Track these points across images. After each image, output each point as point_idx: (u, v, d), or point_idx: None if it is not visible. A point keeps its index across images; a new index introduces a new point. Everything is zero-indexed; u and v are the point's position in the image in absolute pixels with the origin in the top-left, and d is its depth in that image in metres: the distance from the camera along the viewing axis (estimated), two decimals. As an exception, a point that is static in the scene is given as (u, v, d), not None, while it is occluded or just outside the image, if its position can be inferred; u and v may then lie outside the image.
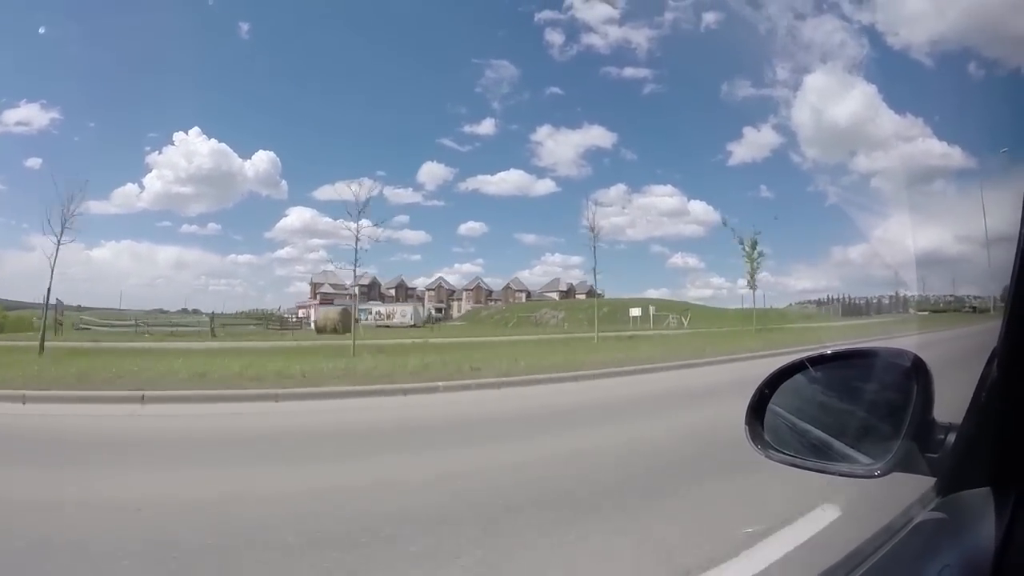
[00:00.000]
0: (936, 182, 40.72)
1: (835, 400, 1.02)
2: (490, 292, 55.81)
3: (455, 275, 57.68)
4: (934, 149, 38.31)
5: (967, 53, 38.51)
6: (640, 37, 50.36)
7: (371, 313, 44.37)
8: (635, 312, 34.16)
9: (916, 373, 0.87)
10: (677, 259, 53.98)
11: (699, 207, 50.70)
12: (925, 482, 0.88)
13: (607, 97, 58.29)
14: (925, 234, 36.14)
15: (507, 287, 55.33)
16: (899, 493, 0.98)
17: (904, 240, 37.47)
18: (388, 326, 39.16)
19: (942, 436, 0.84)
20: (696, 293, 55.44)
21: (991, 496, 0.79)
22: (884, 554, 0.85)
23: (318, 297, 55.91)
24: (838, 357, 1.01)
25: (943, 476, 0.86)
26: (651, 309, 37.98)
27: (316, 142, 61.65)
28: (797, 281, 63.79)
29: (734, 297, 58.11)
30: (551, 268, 54.85)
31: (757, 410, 1.07)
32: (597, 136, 52.40)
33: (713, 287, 53.89)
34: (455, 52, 59.75)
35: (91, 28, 53.37)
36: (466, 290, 56.20)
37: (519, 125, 60.51)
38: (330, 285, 55.87)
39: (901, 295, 50.85)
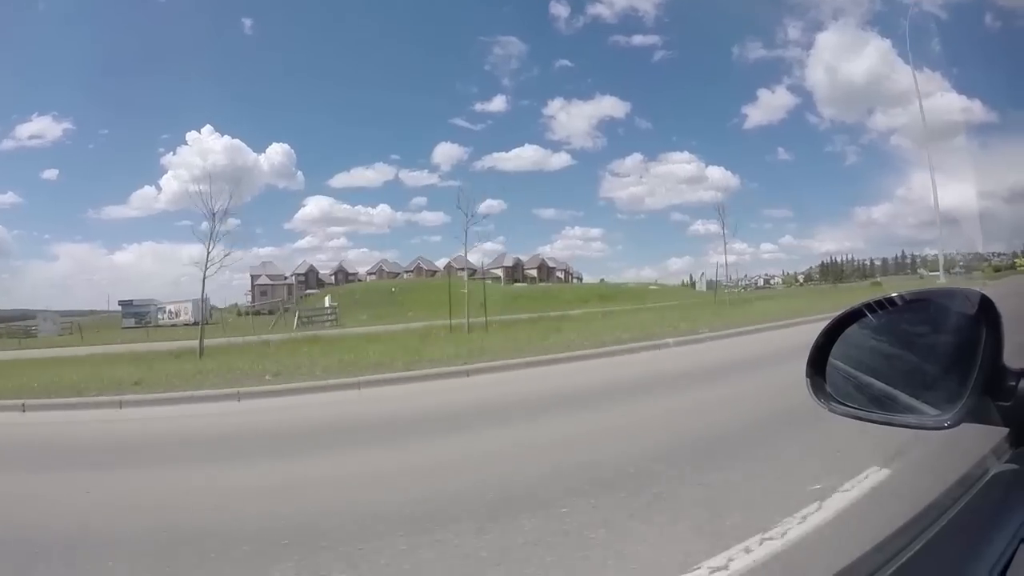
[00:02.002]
0: (957, 138, 39.66)
1: (898, 349, 0.97)
2: (433, 272, 54.13)
3: (476, 254, 56.98)
4: (953, 104, 36.19)
5: (982, 3, 38.49)
6: (647, 4, 49.97)
7: (164, 312, 43.32)
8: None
9: (984, 315, 0.81)
10: (698, 226, 52.85)
11: (717, 172, 49.54)
12: (998, 432, 0.84)
13: (617, 66, 56.62)
14: (948, 192, 35.71)
15: (448, 265, 53.43)
16: (973, 445, 0.95)
17: (927, 198, 36.74)
18: (175, 325, 37.52)
19: (1014, 383, 0.78)
20: (718, 259, 54.94)
21: None
22: (962, 507, 0.82)
23: (255, 289, 54.14)
24: (900, 302, 0.95)
25: (1017, 426, 0.82)
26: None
27: (329, 131, 60.58)
28: (820, 243, 63.51)
29: (758, 263, 57.27)
30: (572, 242, 54.55)
31: (817, 362, 1.02)
32: (610, 106, 51.91)
33: (736, 252, 51.75)
34: (461, 31, 58.89)
35: (94, 33, 53.71)
36: (407, 272, 55.13)
37: (530, 100, 61.45)
38: (267, 276, 54.01)
39: (909, 256, 51.37)
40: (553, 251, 57.25)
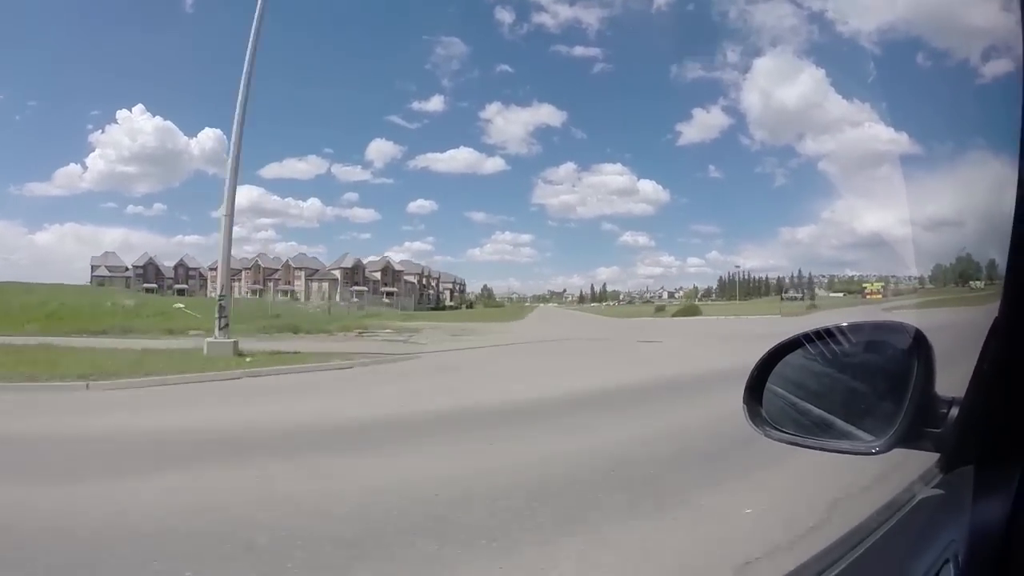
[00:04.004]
0: (882, 167, 41.05)
1: (834, 377, 1.00)
2: (274, 271, 52.65)
3: (405, 253, 56.15)
4: (881, 135, 37.80)
5: (915, 43, 38.92)
6: (591, 17, 50.18)
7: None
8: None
9: (917, 347, 0.85)
10: (627, 237, 54.21)
11: (649, 186, 50.42)
12: (929, 458, 0.87)
13: (557, 75, 58.06)
14: (871, 217, 38.78)
15: (286, 264, 52.78)
16: (905, 470, 0.96)
17: (850, 222, 40.14)
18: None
19: (944, 411, 0.82)
20: (646, 271, 56.45)
21: (996, 470, 0.78)
22: (888, 530, 0.83)
23: (93, 281, 52.93)
24: (836, 333, 0.98)
25: (947, 451, 0.84)
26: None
27: (263, 119, 57.50)
28: (746, 260, 65.06)
29: (684, 276, 59.71)
30: (501, 247, 54.36)
31: (755, 389, 1.05)
32: (547, 114, 52.25)
33: (663, 265, 53.68)
34: (404, 28, 57.91)
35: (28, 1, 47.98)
36: (245, 269, 54.26)
37: (469, 102, 60.75)
38: (106, 268, 52.89)
39: (806, 276, 53.54)
40: (482, 254, 57.41)
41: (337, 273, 52.87)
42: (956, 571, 0.72)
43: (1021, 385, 0.75)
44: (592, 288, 60.60)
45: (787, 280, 56.41)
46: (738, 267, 54.72)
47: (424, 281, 59.61)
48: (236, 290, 55.51)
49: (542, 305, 58.07)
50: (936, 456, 0.86)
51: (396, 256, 56.17)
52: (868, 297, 41.29)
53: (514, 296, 65.24)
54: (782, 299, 36.64)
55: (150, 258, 54.54)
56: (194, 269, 55.28)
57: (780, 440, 1.00)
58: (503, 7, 53.14)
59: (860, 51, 38.69)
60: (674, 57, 49.47)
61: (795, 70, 43.14)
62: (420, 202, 53.87)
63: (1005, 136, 0.64)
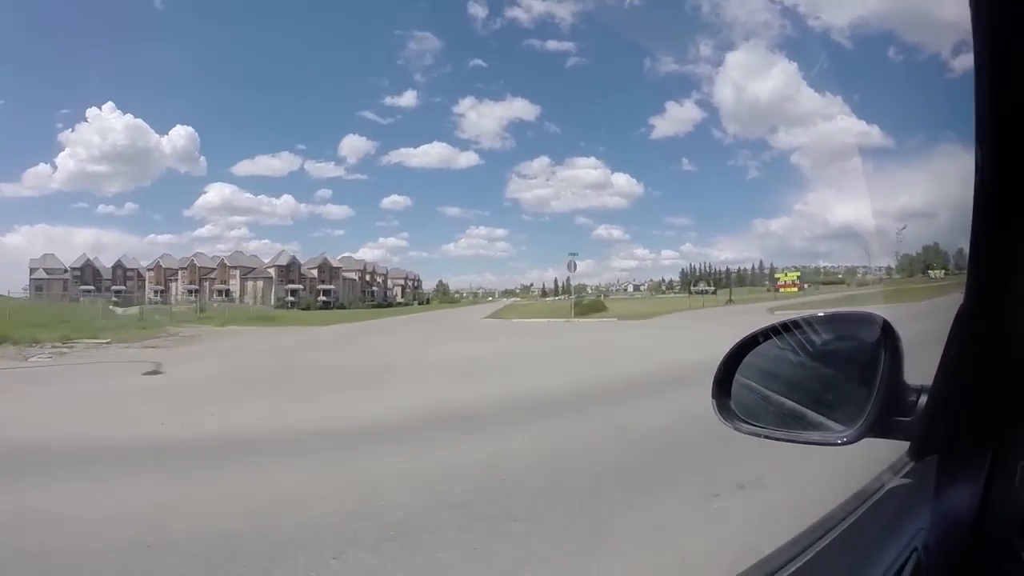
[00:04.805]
0: (854, 159, 43.21)
1: (804, 368, 1.00)
2: (210, 270, 51.05)
3: (380, 249, 55.97)
4: (852, 128, 37.83)
5: (887, 38, 40.92)
6: (564, 11, 49.92)
7: None
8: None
9: (884, 337, 0.85)
10: (602, 230, 54.35)
11: (622, 179, 50.44)
12: (900, 447, 0.87)
13: (530, 70, 57.39)
14: (843, 209, 39.34)
15: (221, 263, 51.30)
16: (878, 459, 0.97)
17: (823, 213, 40.59)
18: None
19: (914, 399, 0.82)
20: (621, 264, 56.23)
21: (965, 458, 0.79)
22: (856, 519, 0.84)
23: (32, 283, 53.04)
24: (804, 324, 0.98)
25: (916, 440, 0.85)
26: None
27: (235, 116, 59.05)
28: (720, 252, 67.20)
29: (659, 268, 60.21)
30: (476, 241, 54.30)
31: (723, 382, 1.04)
32: (520, 108, 51.35)
33: (638, 258, 54.33)
34: (377, 23, 56.78)
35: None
36: (181, 269, 54.12)
37: (442, 97, 60.59)
38: (44, 270, 53.01)
39: (763, 267, 53.27)
40: (456, 248, 57.71)
41: (272, 271, 53.00)
42: (923, 560, 0.72)
43: (987, 373, 0.77)
44: (556, 282, 59.88)
45: (749, 271, 56.98)
46: (691, 265, 55.32)
47: (368, 278, 59.60)
48: (173, 289, 55.98)
49: (502, 300, 57.82)
50: (907, 445, 0.87)
51: (370, 253, 56.09)
52: (781, 290, 37.45)
53: (480, 291, 65.04)
54: (690, 293, 35.59)
55: (88, 259, 54.51)
56: (132, 270, 55.42)
57: (749, 433, 0.99)
58: (476, 1, 52.94)
59: (832, 45, 39.04)
60: (647, 51, 48.64)
61: (768, 64, 43.43)
62: (394, 198, 53.65)
63: (973, 129, 0.64)
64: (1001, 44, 0.56)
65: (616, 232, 53.84)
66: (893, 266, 43.03)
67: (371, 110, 57.48)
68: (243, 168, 51.21)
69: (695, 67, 51.35)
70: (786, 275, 41.63)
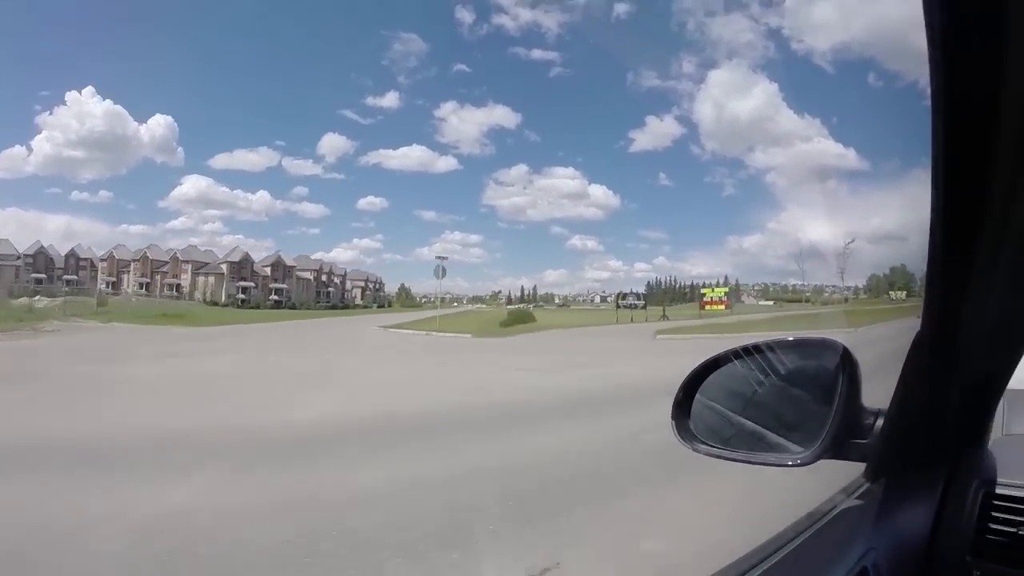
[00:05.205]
0: (829, 181, 42.69)
1: (765, 391, 1.02)
2: (163, 264, 49.49)
3: (354, 250, 55.57)
4: (829, 150, 39.07)
5: (867, 64, 40.61)
6: (551, 21, 50.33)
7: None
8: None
9: (843, 363, 0.87)
10: (576, 241, 53.92)
11: (599, 191, 50.32)
12: (858, 468, 0.89)
13: (514, 78, 57.10)
14: (816, 229, 39.32)
15: (174, 257, 50.05)
16: (835, 481, 0.97)
17: (795, 232, 40.25)
18: None
19: (871, 422, 0.85)
20: (594, 275, 55.89)
21: (920, 478, 0.82)
22: (807, 539, 0.84)
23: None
24: (765, 349, 1.00)
25: (872, 461, 0.86)
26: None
27: (215, 107, 57.30)
28: (692, 267, 66.28)
29: (631, 280, 58.49)
30: (451, 246, 53.14)
31: (683, 404, 1.05)
32: (501, 116, 51.36)
33: (611, 269, 53.71)
34: (363, 21, 56.50)
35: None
36: (134, 261, 52.61)
37: (424, 100, 59.07)
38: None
39: (728, 282, 52.60)
40: (430, 252, 56.16)
41: (224, 267, 52.60)
42: None
43: (942, 397, 0.79)
44: (523, 290, 60.13)
45: (712, 286, 57.47)
46: (657, 279, 55.18)
47: (325, 278, 59.17)
48: (125, 282, 55.59)
49: (468, 306, 58.31)
50: (863, 467, 0.88)
51: (344, 254, 55.76)
52: (706, 307, 34.37)
53: (447, 296, 64.89)
54: (618, 307, 33.63)
55: (41, 247, 54.40)
56: (85, 259, 55.19)
57: (707, 454, 1.00)
58: (464, 6, 52.44)
59: (814, 68, 39.99)
60: (631, 65, 49.08)
61: (749, 84, 43.84)
62: (371, 199, 53.38)
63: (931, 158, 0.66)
64: (950, 80, 0.57)
65: (591, 243, 53.57)
66: (861, 286, 43.18)
67: (352, 109, 55.95)
68: (221, 161, 50.20)
69: (677, 83, 51.68)
70: (712, 291, 39.61)
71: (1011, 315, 0.74)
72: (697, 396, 1.06)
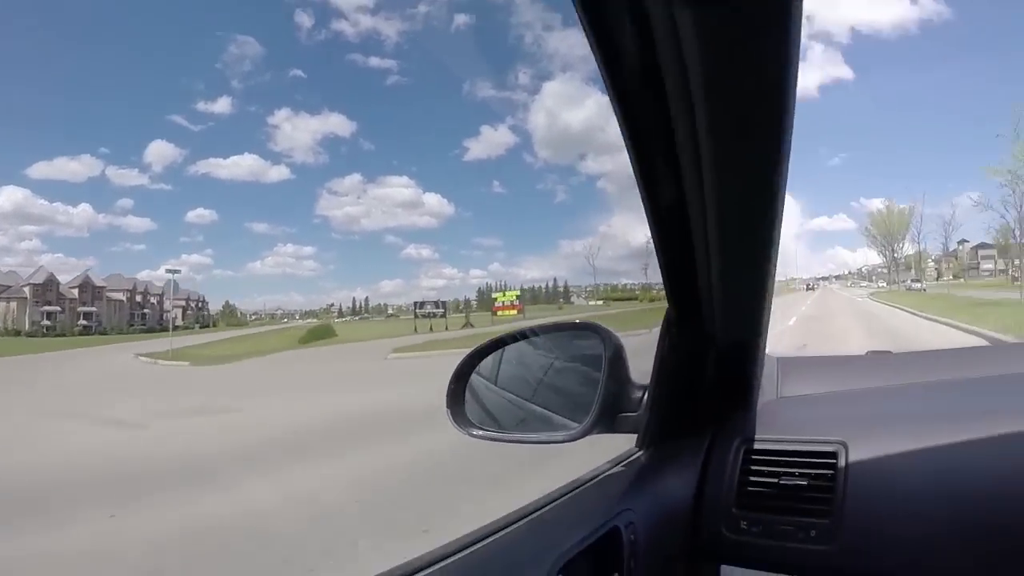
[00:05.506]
0: None
1: (538, 373, 1.08)
2: None
3: (182, 267, 50.52)
4: None
5: None
6: (390, 29, 48.78)
7: None
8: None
9: (604, 344, 0.93)
10: (411, 250, 52.35)
11: (434, 199, 49.96)
12: (631, 440, 0.95)
13: (350, 85, 54.62)
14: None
15: None
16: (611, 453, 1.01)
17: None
18: None
19: (639, 396, 0.91)
20: (429, 283, 53.12)
21: (687, 442, 0.91)
22: (556, 506, 0.84)
23: None
24: (534, 332, 1.05)
25: (642, 432, 0.93)
26: None
27: (32, 107, 50.40)
28: (527, 271, 65.57)
29: (466, 287, 58.02)
30: (284, 259, 51.14)
31: (456, 390, 1.06)
32: (336, 124, 49.23)
33: (446, 277, 52.32)
34: (197, 21, 52.06)
35: None
36: None
37: (257, 107, 55.51)
38: None
39: (557, 285, 54.08)
40: (263, 267, 54.60)
41: (27, 291, 51.86)
42: (636, 533, 0.78)
43: (698, 367, 0.89)
44: (354, 302, 57.95)
45: (543, 289, 58.18)
46: (488, 284, 53.21)
47: (140, 299, 59.24)
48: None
49: (299, 322, 55.19)
50: (635, 437, 0.94)
51: (173, 270, 50.14)
52: (498, 313, 32.78)
53: (278, 312, 59.86)
54: (416, 315, 32.38)
55: None
56: None
57: (482, 438, 1.01)
58: (303, 10, 51.02)
59: None
60: (467, 74, 49.88)
61: (582, 95, 45.99)
62: (199, 211, 49.99)
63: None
64: (623, 94, 0.67)
65: (426, 251, 53.44)
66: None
67: (182, 114, 51.96)
68: (40, 170, 45.82)
69: (512, 94, 52.94)
70: (504, 295, 36.65)
71: (741, 288, 0.82)
72: (471, 382, 1.06)
